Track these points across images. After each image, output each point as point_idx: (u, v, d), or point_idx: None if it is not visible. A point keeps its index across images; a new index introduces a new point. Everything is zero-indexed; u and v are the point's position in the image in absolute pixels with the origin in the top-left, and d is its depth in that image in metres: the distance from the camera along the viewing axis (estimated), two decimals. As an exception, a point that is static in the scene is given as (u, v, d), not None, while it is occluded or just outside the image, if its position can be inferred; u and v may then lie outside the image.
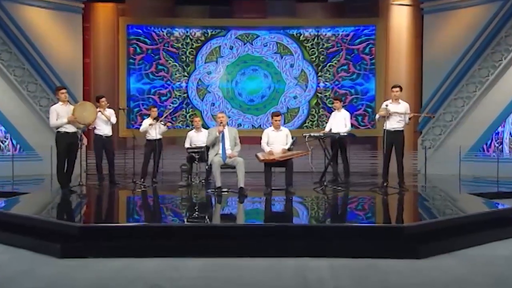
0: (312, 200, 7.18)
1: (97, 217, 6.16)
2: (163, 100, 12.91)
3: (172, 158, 10.94)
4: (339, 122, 8.44)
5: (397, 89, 7.63)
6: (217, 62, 13.01)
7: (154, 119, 8.69)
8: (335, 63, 12.90)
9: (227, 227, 5.07)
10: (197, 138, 8.61)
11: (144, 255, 4.40)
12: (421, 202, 7.19)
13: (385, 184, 7.56)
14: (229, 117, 12.37)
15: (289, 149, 7.48)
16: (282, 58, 12.98)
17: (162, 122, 8.86)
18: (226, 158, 7.20)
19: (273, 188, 7.37)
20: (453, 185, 9.46)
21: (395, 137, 7.50)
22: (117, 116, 8.78)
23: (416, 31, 12.25)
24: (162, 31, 12.90)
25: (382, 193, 7.37)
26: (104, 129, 8.33)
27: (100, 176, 8.49)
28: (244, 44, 12.99)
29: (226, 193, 7.12)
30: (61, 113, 7.21)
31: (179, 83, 12.97)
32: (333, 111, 8.99)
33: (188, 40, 12.96)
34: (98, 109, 8.15)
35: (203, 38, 12.99)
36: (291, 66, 12.98)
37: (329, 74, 12.92)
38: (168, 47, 12.89)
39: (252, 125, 12.96)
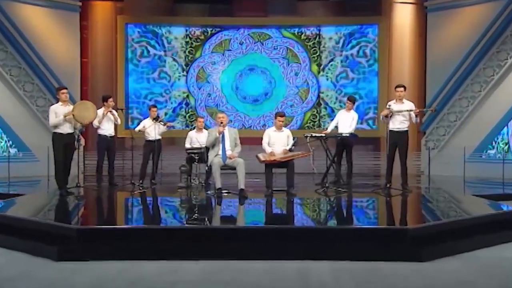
0: (314, 202, 7.17)
1: (95, 219, 6.16)
2: (163, 100, 12.91)
3: (172, 159, 10.94)
4: (346, 122, 8.41)
5: (401, 89, 7.63)
6: (223, 55, 12.99)
7: (154, 119, 8.69)
8: (338, 62, 12.90)
9: (227, 229, 5.06)
10: (198, 138, 8.60)
11: (143, 257, 4.40)
12: (425, 204, 7.19)
13: (388, 185, 7.56)
14: (250, 125, 12.32)
15: (290, 150, 7.48)
16: (289, 65, 12.97)
17: (162, 122, 8.87)
18: (226, 159, 7.19)
19: (274, 189, 7.35)
20: (457, 187, 9.45)
21: (399, 137, 7.50)
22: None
23: (419, 30, 12.25)
24: (161, 30, 12.91)
25: (385, 194, 7.36)
26: (108, 129, 8.37)
27: (99, 177, 8.49)
28: (255, 43, 12.98)
29: (226, 194, 7.11)
30: (60, 114, 7.20)
31: (178, 83, 12.97)
32: (334, 110, 8.96)
33: (188, 39, 12.97)
34: (105, 109, 8.19)
35: (202, 37, 13.00)
36: (296, 74, 12.98)
37: (331, 74, 12.92)
38: (167, 46, 12.90)
39: (243, 125, 12.94)
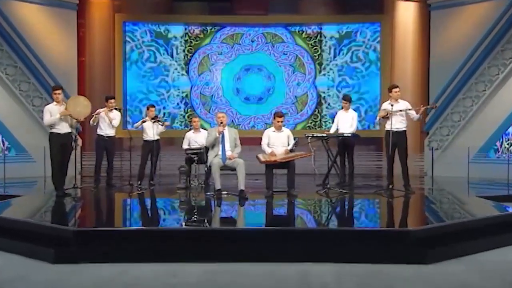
0: (315, 203, 7.18)
1: (93, 220, 6.17)
2: (161, 100, 12.92)
3: (170, 159, 10.93)
4: (346, 122, 8.43)
5: (398, 89, 7.70)
6: (210, 71, 12.96)
7: (152, 119, 8.69)
8: (339, 61, 12.90)
9: (227, 231, 5.07)
10: (196, 139, 8.61)
11: (141, 260, 4.40)
12: (428, 205, 7.19)
13: (390, 186, 7.56)
14: (239, 123, 12.34)
15: (291, 150, 7.48)
16: (274, 46, 12.95)
17: (160, 122, 8.87)
18: (226, 159, 7.20)
19: (274, 190, 7.36)
20: (461, 188, 9.45)
21: (398, 138, 7.51)
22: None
23: (422, 28, 12.23)
24: (160, 28, 12.91)
25: (387, 195, 7.37)
26: (106, 129, 8.37)
27: (97, 177, 8.50)
28: (232, 47, 12.95)
29: (226, 195, 7.12)
30: (54, 113, 7.19)
31: (177, 82, 12.97)
32: (338, 111, 8.98)
33: (187, 38, 12.98)
34: (103, 109, 8.19)
35: (202, 36, 13.00)
36: (285, 54, 12.96)
37: (332, 73, 12.92)
38: (165, 45, 12.90)
39: (232, 121, 12.91)
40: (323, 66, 12.94)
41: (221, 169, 7.19)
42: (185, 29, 12.98)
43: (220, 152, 7.24)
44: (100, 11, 12.49)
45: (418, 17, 12.25)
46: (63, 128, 7.24)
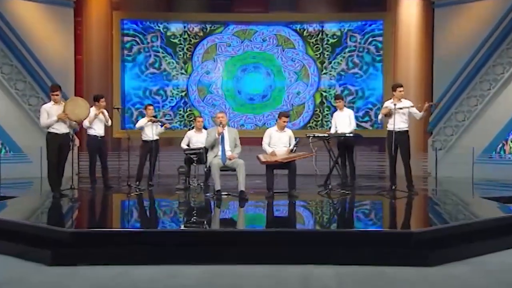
0: (317, 204, 7.18)
1: (90, 222, 6.17)
2: (159, 99, 12.92)
3: (169, 160, 10.94)
4: (343, 121, 8.44)
5: (402, 88, 7.66)
6: (214, 61, 13.01)
7: (152, 117, 8.70)
8: (341, 60, 12.90)
9: (227, 232, 5.07)
10: (197, 138, 8.61)
11: (139, 262, 4.41)
12: (432, 207, 7.19)
13: (393, 187, 7.56)
14: (229, 119, 12.38)
15: (292, 151, 7.49)
16: (283, 51, 12.98)
17: (160, 123, 8.88)
18: (226, 160, 7.20)
19: (275, 191, 7.36)
20: (465, 189, 9.45)
21: (399, 138, 7.48)
22: (111, 117, 8.86)
23: (426, 26, 12.23)
24: (158, 26, 12.92)
25: (390, 197, 7.36)
26: (99, 130, 8.37)
27: (92, 178, 8.50)
28: (242, 42, 12.99)
29: (226, 196, 7.12)
30: (51, 113, 7.18)
31: (176, 81, 12.98)
32: (335, 111, 8.99)
33: (186, 36, 12.98)
34: (96, 109, 8.20)
35: (201, 34, 13.01)
36: (292, 60, 12.98)
37: (334, 72, 12.93)
38: (164, 43, 12.91)
39: (256, 125, 12.99)
40: (324, 65, 12.95)
41: (221, 170, 7.20)
42: (184, 27, 12.98)
43: (220, 153, 7.24)
44: (97, 8, 12.48)
45: (422, 14, 12.24)
46: (62, 128, 7.22)
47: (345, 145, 8.38)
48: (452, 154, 11.80)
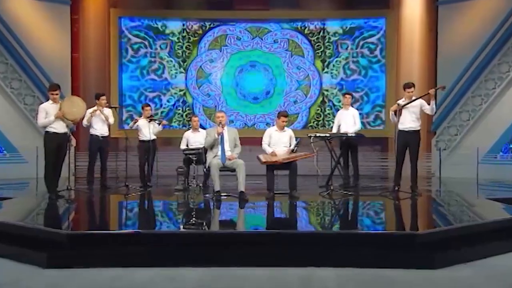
0: (318, 205, 7.17)
1: (87, 223, 6.16)
2: (158, 98, 12.93)
3: (168, 160, 10.95)
4: (348, 120, 8.42)
5: (412, 89, 7.51)
6: (221, 51, 13.01)
7: (148, 117, 8.69)
8: (343, 58, 12.90)
9: (226, 234, 5.06)
10: (194, 139, 8.61)
11: (137, 264, 4.40)
12: (436, 208, 7.18)
13: (396, 188, 7.55)
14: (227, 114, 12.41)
15: (293, 151, 7.48)
16: (292, 57, 12.98)
17: (157, 122, 8.87)
18: (226, 160, 7.20)
19: (276, 192, 7.37)
20: (470, 189, 9.45)
21: (410, 138, 7.43)
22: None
23: (430, 24, 12.24)
24: (157, 24, 12.92)
25: (393, 197, 7.36)
26: (101, 129, 8.37)
27: (90, 179, 8.50)
28: (253, 38, 12.99)
29: (225, 197, 7.12)
30: (50, 113, 7.17)
31: (175, 80, 12.98)
32: (339, 109, 8.98)
33: (185, 34, 12.98)
34: (96, 108, 8.20)
35: (200, 32, 13.01)
36: (298, 68, 12.99)
37: (336, 71, 12.93)
38: (163, 41, 12.91)
39: (245, 124, 12.97)
40: (326, 63, 12.94)
41: (220, 170, 7.19)
42: (183, 24, 12.98)
43: (219, 153, 7.24)
44: (95, 6, 12.50)
45: (425, 12, 12.25)
46: (60, 128, 7.21)
47: (348, 145, 8.37)
48: (456, 154, 11.81)
